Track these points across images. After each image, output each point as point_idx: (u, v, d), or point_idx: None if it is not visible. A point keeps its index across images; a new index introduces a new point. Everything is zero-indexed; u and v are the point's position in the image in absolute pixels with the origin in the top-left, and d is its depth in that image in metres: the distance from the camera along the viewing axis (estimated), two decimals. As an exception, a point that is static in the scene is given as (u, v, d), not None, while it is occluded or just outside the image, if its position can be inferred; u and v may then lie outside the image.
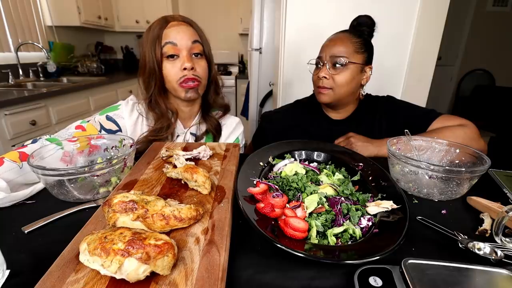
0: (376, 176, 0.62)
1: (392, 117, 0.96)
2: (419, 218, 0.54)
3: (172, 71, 0.81)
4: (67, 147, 0.66)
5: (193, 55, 0.83)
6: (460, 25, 3.53)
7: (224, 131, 0.98)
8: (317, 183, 0.60)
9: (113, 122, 0.84)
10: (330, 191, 0.55)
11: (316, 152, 0.73)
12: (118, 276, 0.32)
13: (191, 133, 0.93)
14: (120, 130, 0.85)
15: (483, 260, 0.43)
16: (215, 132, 0.94)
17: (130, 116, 0.87)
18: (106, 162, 0.55)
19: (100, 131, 0.81)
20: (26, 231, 0.47)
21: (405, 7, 1.44)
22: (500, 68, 3.62)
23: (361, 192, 0.58)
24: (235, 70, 3.81)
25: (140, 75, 0.87)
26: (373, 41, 0.93)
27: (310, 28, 1.48)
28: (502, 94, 3.43)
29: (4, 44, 2.30)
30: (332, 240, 0.45)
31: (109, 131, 0.82)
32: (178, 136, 0.91)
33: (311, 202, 0.50)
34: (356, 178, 0.63)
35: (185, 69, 0.80)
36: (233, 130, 1.00)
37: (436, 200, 0.62)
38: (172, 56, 0.81)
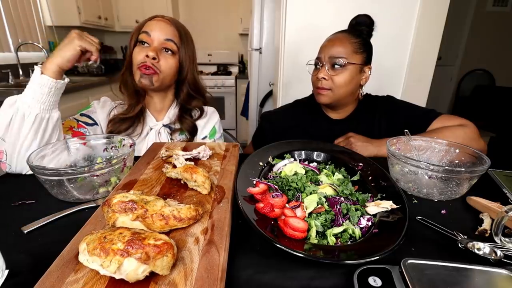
0: (375, 176, 0.62)
1: (392, 117, 0.96)
2: (418, 218, 0.54)
3: (138, 55, 0.85)
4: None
5: (164, 50, 0.86)
6: (460, 25, 3.53)
7: (199, 121, 0.99)
8: (317, 183, 0.60)
9: (88, 117, 0.88)
10: (329, 191, 0.55)
11: (315, 152, 0.73)
12: (117, 276, 0.32)
13: (164, 125, 0.94)
14: (96, 123, 0.89)
15: (482, 260, 0.43)
16: (190, 132, 0.96)
17: (102, 110, 0.91)
18: (105, 162, 0.55)
19: (78, 122, 0.84)
20: (25, 231, 0.47)
21: (405, 7, 1.44)
22: (500, 68, 3.62)
23: (360, 192, 0.57)
24: (235, 70, 3.81)
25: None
26: (373, 41, 0.93)
27: (310, 28, 1.48)
28: (502, 94, 3.43)
29: (4, 44, 2.30)
30: (331, 240, 0.45)
31: (85, 123, 0.86)
32: (151, 129, 0.93)
33: (310, 202, 0.50)
34: (355, 178, 0.63)
35: (147, 56, 0.83)
36: (208, 120, 1.01)
37: (436, 200, 0.62)
38: (143, 42, 0.85)
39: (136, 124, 0.90)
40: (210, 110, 1.04)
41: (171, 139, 0.94)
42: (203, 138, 0.99)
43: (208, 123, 1.01)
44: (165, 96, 0.95)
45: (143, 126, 0.92)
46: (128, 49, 0.88)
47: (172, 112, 0.96)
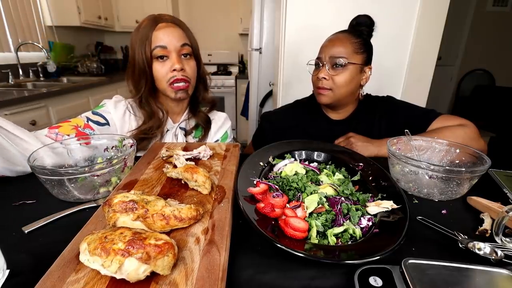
0: (376, 176, 0.62)
1: (392, 117, 0.96)
2: (419, 218, 0.54)
3: (162, 71, 0.83)
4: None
5: (182, 56, 0.85)
6: (460, 25, 3.53)
7: (213, 126, 1.00)
8: (317, 183, 0.60)
9: (100, 116, 0.85)
10: (330, 191, 0.55)
11: (316, 152, 0.73)
12: (118, 276, 0.32)
13: (180, 128, 0.95)
14: (108, 123, 0.86)
15: (483, 260, 0.43)
16: (204, 125, 0.97)
17: (116, 111, 0.88)
18: (106, 162, 0.55)
19: (87, 122, 0.82)
20: (26, 231, 0.47)
21: (405, 7, 1.44)
22: (500, 68, 3.62)
23: (361, 192, 0.58)
24: (235, 70, 3.81)
25: (129, 74, 0.88)
26: (373, 41, 0.93)
27: (310, 28, 1.48)
28: (502, 94, 3.43)
29: (4, 44, 2.30)
30: (332, 240, 0.45)
31: (97, 123, 0.83)
32: (168, 131, 0.93)
33: (311, 202, 0.50)
34: (356, 178, 0.63)
35: (174, 70, 0.82)
36: (222, 125, 1.02)
37: (436, 200, 0.62)
38: (161, 57, 0.83)
39: (156, 137, 0.89)
40: (223, 116, 1.05)
41: (186, 141, 0.94)
42: (215, 141, 1.00)
43: (221, 128, 1.02)
44: (189, 96, 0.94)
45: (162, 135, 0.91)
46: (139, 67, 0.83)
47: (187, 112, 0.97)
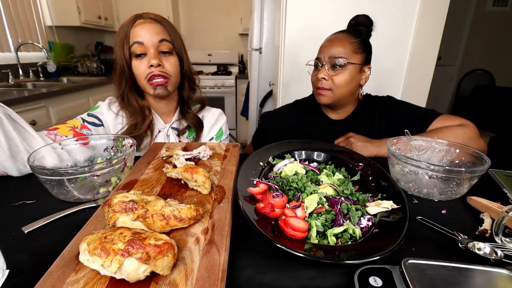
0: (376, 176, 0.62)
1: (392, 117, 0.96)
2: (419, 218, 0.54)
3: (140, 68, 0.83)
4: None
5: (161, 53, 0.83)
6: (460, 25, 3.53)
7: (206, 123, 0.99)
8: (317, 183, 0.60)
9: (95, 118, 0.87)
10: (330, 191, 0.55)
11: (316, 152, 0.73)
12: (118, 276, 0.32)
13: (172, 128, 0.94)
14: (102, 125, 0.87)
15: (483, 260, 0.43)
16: (196, 126, 0.96)
17: (108, 112, 0.89)
18: (106, 162, 0.55)
19: (83, 123, 0.83)
20: (26, 231, 0.47)
21: (405, 7, 1.44)
22: (500, 68, 3.62)
23: (361, 192, 0.58)
24: (235, 70, 3.81)
25: (113, 74, 0.89)
26: (372, 41, 0.93)
27: (310, 28, 1.48)
28: (502, 94, 3.43)
29: (4, 44, 2.30)
30: (332, 240, 0.45)
31: (92, 124, 0.84)
32: (159, 131, 0.93)
33: (311, 202, 0.50)
34: (356, 178, 0.63)
35: (151, 66, 0.81)
36: (216, 121, 1.01)
37: (436, 200, 0.62)
38: (139, 55, 0.82)
39: (145, 135, 0.89)
40: (217, 112, 1.03)
41: (179, 141, 0.94)
42: (210, 139, 0.99)
43: (216, 124, 1.01)
44: (171, 97, 0.94)
45: (152, 138, 0.91)
46: (119, 65, 0.84)
47: (178, 112, 0.96)
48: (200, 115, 0.99)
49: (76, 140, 0.68)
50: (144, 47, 0.81)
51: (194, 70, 0.96)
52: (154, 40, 0.81)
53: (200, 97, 0.99)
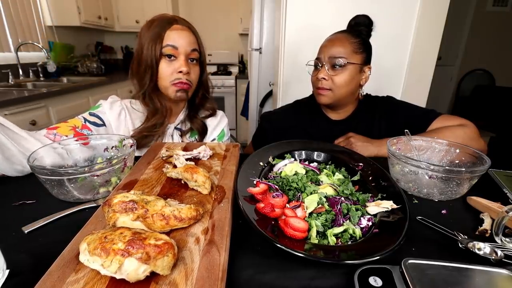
0: (376, 176, 0.62)
1: (392, 117, 0.96)
2: (419, 218, 0.54)
3: (168, 70, 0.84)
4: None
5: (189, 60, 0.86)
6: (460, 25, 3.53)
7: (209, 124, 1.00)
8: (317, 183, 0.60)
9: (97, 117, 0.86)
10: (330, 191, 0.55)
11: (316, 152, 0.73)
12: (118, 276, 0.32)
13: (176, 128, 0.95)
14: (104, 124, 0.87)
15: (483, 260, 0.43)
16: (201, 131, 0.97)
17: (111, 111, 0.89)
18: (106, 162, 0.55)
19: (84, 123, 0.82)
20: (26, 231, 0.47)
21: (405, 7, 1.44)
22: (500, 68, 3.62)
23: (361, 192, 0.58)
24: (235, 70, 3.81)
25: (133, 70, 0.88)
26: (372, 41, 0.93)
27: (310, 28, 1.48)
28: (502, 94, 3.43)
29: (4, 44, 2.30)
30: (332, 240, 0.45)
31: (94, 124, 0.84)
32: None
33: (311, 202, 0.50)
34: (356, 178, 0.63)
35: (180, 72, 0.83)
36: (218, 123, 1.02)
37: (436, 200, 0.62)
38: (170, 56, 0.83)
39: (157, 136, 0.90)
40: (220, 113, 1.05)
41: (182, 141, 0.94)
42: (212, 141, 1.00)
43: (218, 126, 1.02)
44: (188, 99, 0.95)
45: (163, 135, 0.92)
46: (146, 62, 0.83)
47: (183, 114, 0.97)
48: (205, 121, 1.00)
49: (76, 140, 0.68)
50: (177, 51, 0.83)
51: (210, 81, 1.00)
52: (187, 48, 0.84)
53: (211, 107, 1.01)
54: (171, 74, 0.84)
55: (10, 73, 2.30)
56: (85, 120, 0.83)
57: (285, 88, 1.62)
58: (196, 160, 0.66)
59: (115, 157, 0.61)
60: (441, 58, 2.95)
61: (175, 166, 0.60)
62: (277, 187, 0.55)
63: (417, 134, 0.79)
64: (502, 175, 0.72)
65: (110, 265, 0.31)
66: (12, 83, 2.30)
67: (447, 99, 3.93)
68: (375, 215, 0.50)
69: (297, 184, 0.56)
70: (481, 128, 0.90)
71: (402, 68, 1.54)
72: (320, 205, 0.50)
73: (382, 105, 0.99)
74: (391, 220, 0.48)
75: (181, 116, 0.96)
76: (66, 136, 0.75)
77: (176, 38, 0.82)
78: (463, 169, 0.57)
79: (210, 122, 1.00)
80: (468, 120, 0.88)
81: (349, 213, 0.50)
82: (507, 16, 3.47)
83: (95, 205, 0.55)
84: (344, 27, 0.95)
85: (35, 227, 0.48)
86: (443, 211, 0.57)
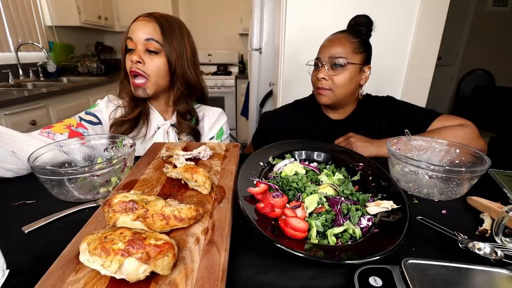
0: (376, 176, 0.62)
1: (392, 117, 0.96)
2: (419, 218, 0.54)
3: (128, 64, 0.85)
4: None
5: (148, 51, 0.83)
6: (460, 25, 3.52)
7: (207, 122, 0.99)
8: (317, 183, 0.60)
9: (93, 116, 0.87)
10: (330, 191, 0.55)
11: (316, 152, 0.73)
12: (118, 276, 0.32)
13: (172, 125, 0.94)
14: (100, 123, 0.88)
15: (483, 260, 0.43)
16: (193, 134, 0.95)
17: (107, 110, 0.90)
18: (106, 162, 0.55)
19: (80, 121, 0.84)
20: (26, 231, 0.47)
21: (405, 7, 1.44)
22: (500, 68, 3.62)
23: (361, 192, 0.58)
24: (235, 70, 3.81)
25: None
26: (372, 41, 0.93)
27: (310, 28, 1.48)
28: (502, 94, 3.43)
29: (4, 44, 2.30)
30: (332, 240, 0.45)
31: (90, 122, 0.85)
32: (159, 128, 0.93)
33: (311, 202, 0.50)
34: (356, 178, 0.63)
35: (132, 62, 0.82)
36: (216, 120, 1.01)
37: (436, 200, 0.62)
38: (130, 50, 0.84)
39: (140, 127, 0.90)
40: (218, 111, 1.03)
41: (178, 139, 0.94)
42: (211, 139, 0.99)
43: (216, 124, 1.01)
44: (169, 96, 0.93)
45: (148, 127, 0.91)
46: (122, 58, 0.88)
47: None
48: (200, 114, 0.99)
49: (69, 137, 0.68)
50: (133, 43, 0.83)
51: (196, 81, 0.92)
52: (142, 37, 0.82)
53: (188, 108, 0.93)
54: (128, 66, 0.84)
55: (10, 73, 2.30)
56: (81, 119, 0.84)
57: (285, 88, 1.62)
58: (196, 160, 0.66)
59: (115, 157, 0.61)
60: (441, 58, 2.95)
61: (175, 166, 0.60)
62: (277, 187, 0.55)
63: (417, 134, 0.79)
64: (502, 175, 0.72)
65: (110, 265, 0.31)
66: (12, 83, 2.30)
67: (447, 99, 3.93)
68: (375, 215, 0.50)
69: (297, 184, 0.56)
70: (481, 128, 0.90)
71: (402, 68, 1.54)
72: (320, 205, 0.50)
73: (382, 105, 0.99)
74: (391, 220, 0.48)
75: (176, 113, 0.95)
76: (61, 134, 0.75)
77: (134, 29, 0.82)
78: (463, 169, 0.57)
79: (208, 120, 0.99)
80: (468, 120, 0.88)
81: (349, 213, 0.50)
82: (507, 16, 3.47)
83: (95, 205, 0.55)
84: (344, 27, 0.95)
85: (35, 227, 0.48)
86: (443, 211, 0.57)
